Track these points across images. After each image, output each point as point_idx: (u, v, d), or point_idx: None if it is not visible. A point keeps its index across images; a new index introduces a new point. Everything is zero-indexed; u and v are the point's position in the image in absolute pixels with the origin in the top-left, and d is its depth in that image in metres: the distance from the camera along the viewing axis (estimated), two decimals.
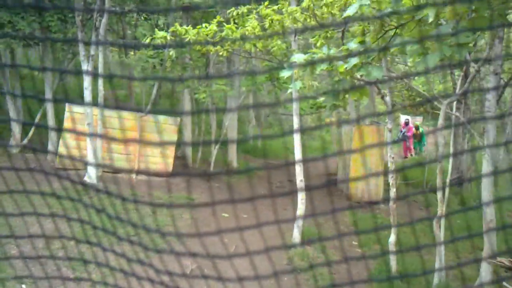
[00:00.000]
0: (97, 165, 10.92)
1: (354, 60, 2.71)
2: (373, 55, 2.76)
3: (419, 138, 17.24)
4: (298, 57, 3.05)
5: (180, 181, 11.93)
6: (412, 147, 17.39)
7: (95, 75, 11.01)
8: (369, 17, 3.03)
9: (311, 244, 9.35)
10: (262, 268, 2.79)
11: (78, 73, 13.00)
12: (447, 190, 7.98)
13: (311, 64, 3.22)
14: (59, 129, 11.52)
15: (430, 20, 2.24)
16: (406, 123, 17.33)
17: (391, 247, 8.32)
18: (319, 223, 9.86)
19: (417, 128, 17.11)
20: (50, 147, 12.07)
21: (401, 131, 17.28)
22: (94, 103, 11.13)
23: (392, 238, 8.23)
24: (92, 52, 10.63)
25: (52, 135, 12.10)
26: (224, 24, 8.26)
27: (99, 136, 10.76)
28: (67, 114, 11.28)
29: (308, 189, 9.23)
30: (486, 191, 7.70)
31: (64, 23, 11.58)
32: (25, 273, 5.89)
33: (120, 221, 2.22)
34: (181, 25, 9.17)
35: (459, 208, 11.43)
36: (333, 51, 3.00)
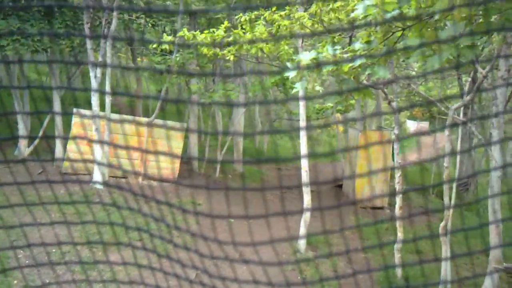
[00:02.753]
0: (107, 166, 10.96)
1: (359, 60, 2.73)
2: (379, 57, 2.78)
3: None
4: (304, 56, 3.07)
5: (186, 186, 11.96)
6: None
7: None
8: (376, 22, 3.05)
9: (317, 250, 9.35)
10: (269, 271, 2.80)
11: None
12: (453, 195, 7.96)
13: (316, 66, 3.25)
14: (65, 137, 11.59)
15: (436, 18, 2.27)
16: None
17: (397, 252, 8.32)
18: (325, 228, 9.84)
19: None
20: (57, 152, 12.13)
21: None
22: (102, 109, 11.20)
23: (399, 243, 8.22)
24: (100, 59, 10.73)
25: (59, 140, 12.17)
26: (232, 29, 8.30)
27: (106, 143, 10.81)
28: (74, 120, 11.35)
29: (314, 194, 9.21)
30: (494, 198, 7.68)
31: (73, 30, 11.68)
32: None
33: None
34: (188, 31, 9.23)
35: (465, 216, 11.38)
36: (338, 51, 3.02)
